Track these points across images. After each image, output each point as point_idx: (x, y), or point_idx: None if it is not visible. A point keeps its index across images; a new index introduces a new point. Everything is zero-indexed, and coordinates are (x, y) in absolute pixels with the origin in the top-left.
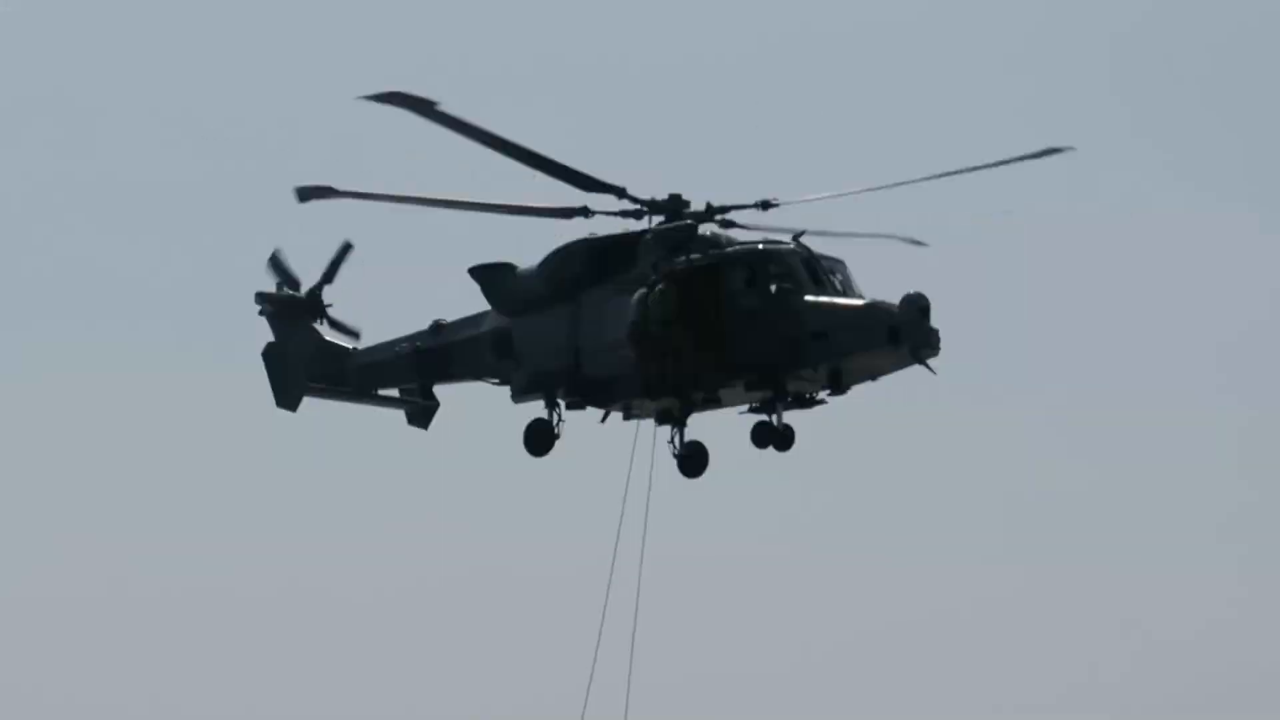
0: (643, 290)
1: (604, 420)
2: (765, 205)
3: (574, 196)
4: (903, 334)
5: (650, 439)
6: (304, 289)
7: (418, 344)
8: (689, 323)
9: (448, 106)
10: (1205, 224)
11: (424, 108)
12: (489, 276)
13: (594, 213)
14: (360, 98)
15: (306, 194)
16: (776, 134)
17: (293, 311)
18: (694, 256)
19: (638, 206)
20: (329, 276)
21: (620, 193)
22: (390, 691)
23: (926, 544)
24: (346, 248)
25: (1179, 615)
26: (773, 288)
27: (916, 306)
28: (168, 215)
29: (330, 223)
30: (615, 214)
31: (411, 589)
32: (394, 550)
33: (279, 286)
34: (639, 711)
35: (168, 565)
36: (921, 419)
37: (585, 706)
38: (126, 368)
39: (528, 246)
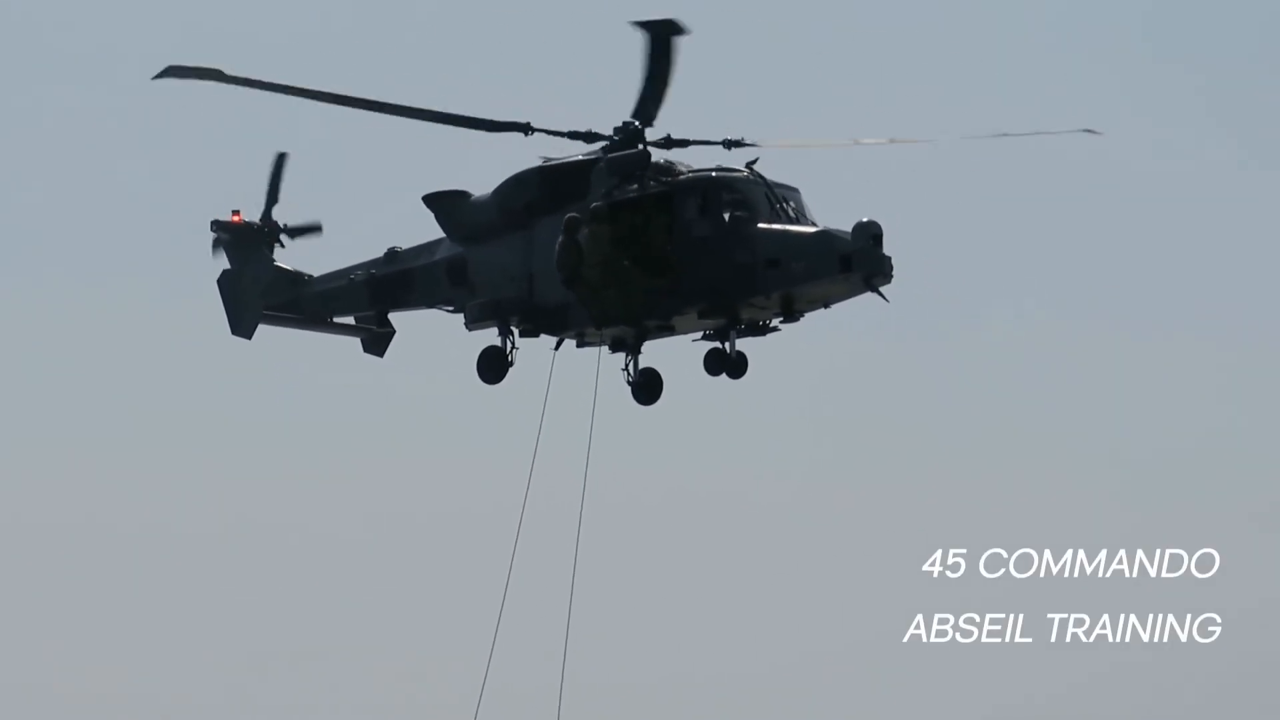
0: (564, 238)
1: (557, 348)
2: (730, 144)
3: (517, 113)
4: (855, 261)
5: (597, 366)
6: (266, 218)
7: (373, 271)
8: (637, 251)
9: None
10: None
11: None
12: (443, 204)
13: (535, 130)
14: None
15: (170, 73)
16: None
17: (248, 238)
18: (649, 184)
19: (589, 129)
20: (273, 195)
21: (526, 128)
22: (343, 620)
23: (879, 469)
24: (281, 159)
25: (1134, 522)
26: (726, 215)
27: (869, 233)
28: (127, 142)
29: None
30: (562, 134)
31: (364, 517)
32: (349, 478)
33: (268, 197)
34: (583, 642)
35: (124, 495)
36: (874, 345)
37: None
38: (80, 297)
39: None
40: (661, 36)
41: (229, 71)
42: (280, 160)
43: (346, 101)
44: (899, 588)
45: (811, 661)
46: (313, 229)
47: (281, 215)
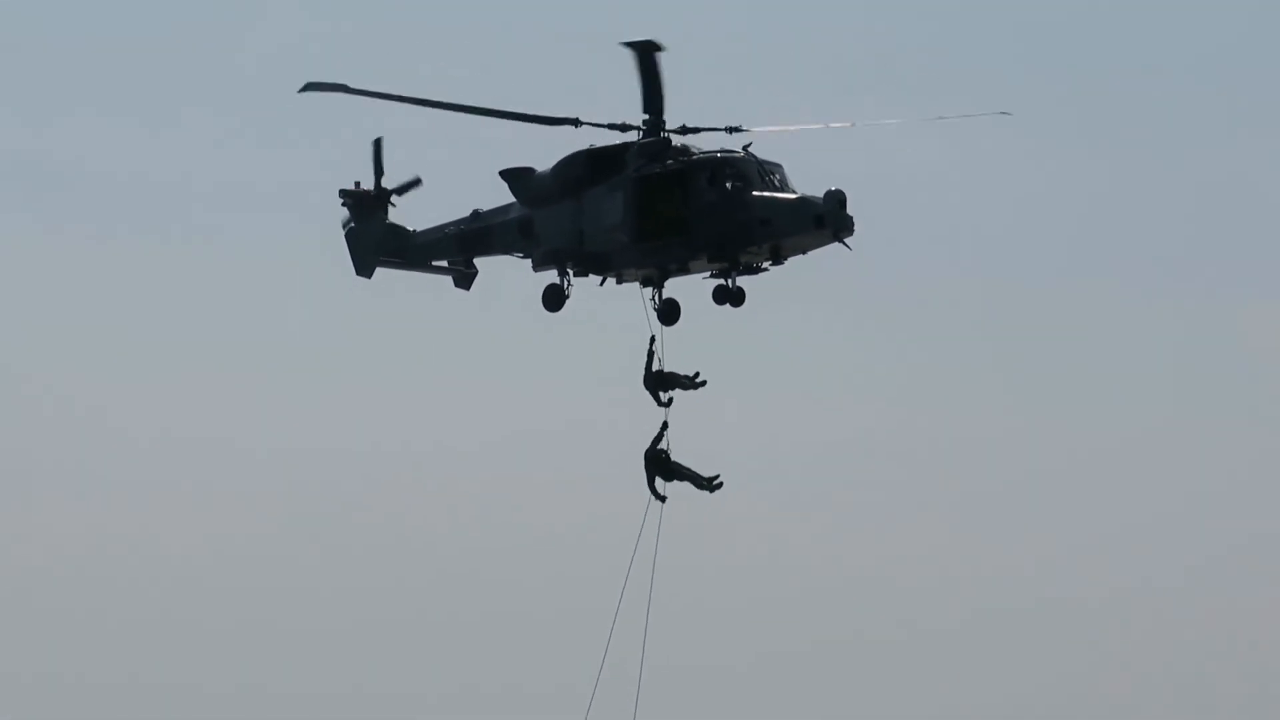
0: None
1: (602, 284)
2: (732, 130)
3: (565, 109)
4: (826, 220)
5: (643, 298)
6: (379, 186)
7: (461, 227)
8: (663, 213)
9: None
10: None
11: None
12: (514, 177)
13: (583, 123)
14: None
15: (316, 87)
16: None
17: (366, 203)
18: (669, 163)
19: (624, 121)
20: (379, 171)
21: (575, 122)
22: (429, 526)
23: (839, 377)
24: (378, 143)
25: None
26: (728, 186)
27: (836, 199)
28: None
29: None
30: (603, 125)
31: (459, 414)
32: (445, 384)
33: (375, 172)
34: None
35: (257, 402)
36: (839, 282)
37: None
38: (248, 253)
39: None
40: (646, 53)
41: (352, 86)
42: (378, 144)
43: (447, 106)
44: None
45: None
46: (414, 184)
47: (389, 183)
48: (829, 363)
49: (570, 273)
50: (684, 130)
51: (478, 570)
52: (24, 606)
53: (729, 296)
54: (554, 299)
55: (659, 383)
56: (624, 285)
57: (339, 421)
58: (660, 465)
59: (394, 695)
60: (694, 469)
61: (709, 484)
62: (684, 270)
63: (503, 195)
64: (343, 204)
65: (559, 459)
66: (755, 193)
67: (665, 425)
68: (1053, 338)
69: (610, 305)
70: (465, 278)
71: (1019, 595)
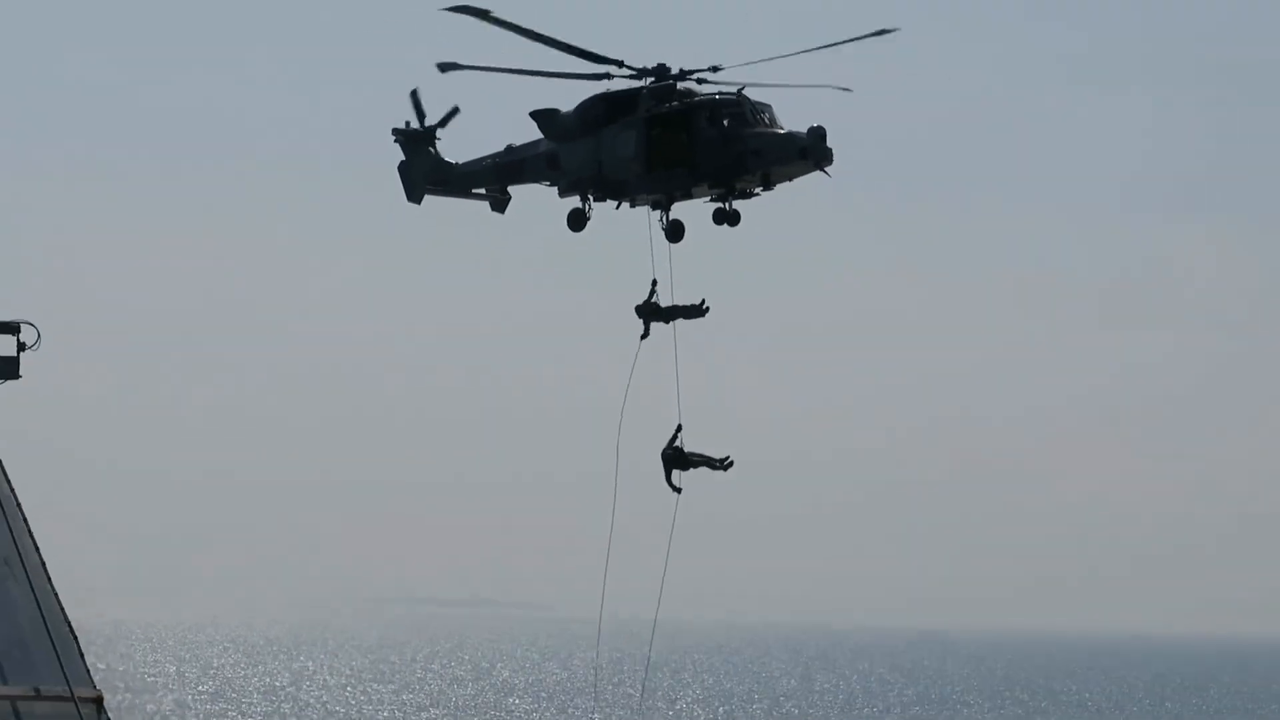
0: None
1: (618, 208)
2: (714, 69)
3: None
4: (809, 152)
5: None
6: (424, 125)
7: (497, 159)
8: (672, 147)
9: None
10: None
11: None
12: (543, 117)
13: (613, 76)
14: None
15: (446, 67)
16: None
17: (416, 140)
18: (675, 104)
19: (637, 71)
20: (420, 114)
21: (620, 63)
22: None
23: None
24: (415, 93)
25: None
26: (725, 123)
27: (818, 134)
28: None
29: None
30: (625, 77)
31: (493, 305)
32: (484, 284)
33: (418, 117)
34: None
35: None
36: (819, 204)
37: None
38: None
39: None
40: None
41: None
42: (414, 94)
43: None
44: None
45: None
46: (453, 113)
47: (432, 120)
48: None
49: (590, 198)
50: (681, 74)
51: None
52: None
53: (726, 218)
54: (577, 221)
55: (676, 461)
56: (636, 208)
57: (407, 308)
58: (677, 460)
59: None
60: (706, 454)
61: (721, 465)
62: (687, 196)
63: (532, 133)
64: (395, 140)
65: (575, 342)
66: (748, 129)
67: (680, 427)
68: None
69: (624, 224)
70: (501, 203)
71: None
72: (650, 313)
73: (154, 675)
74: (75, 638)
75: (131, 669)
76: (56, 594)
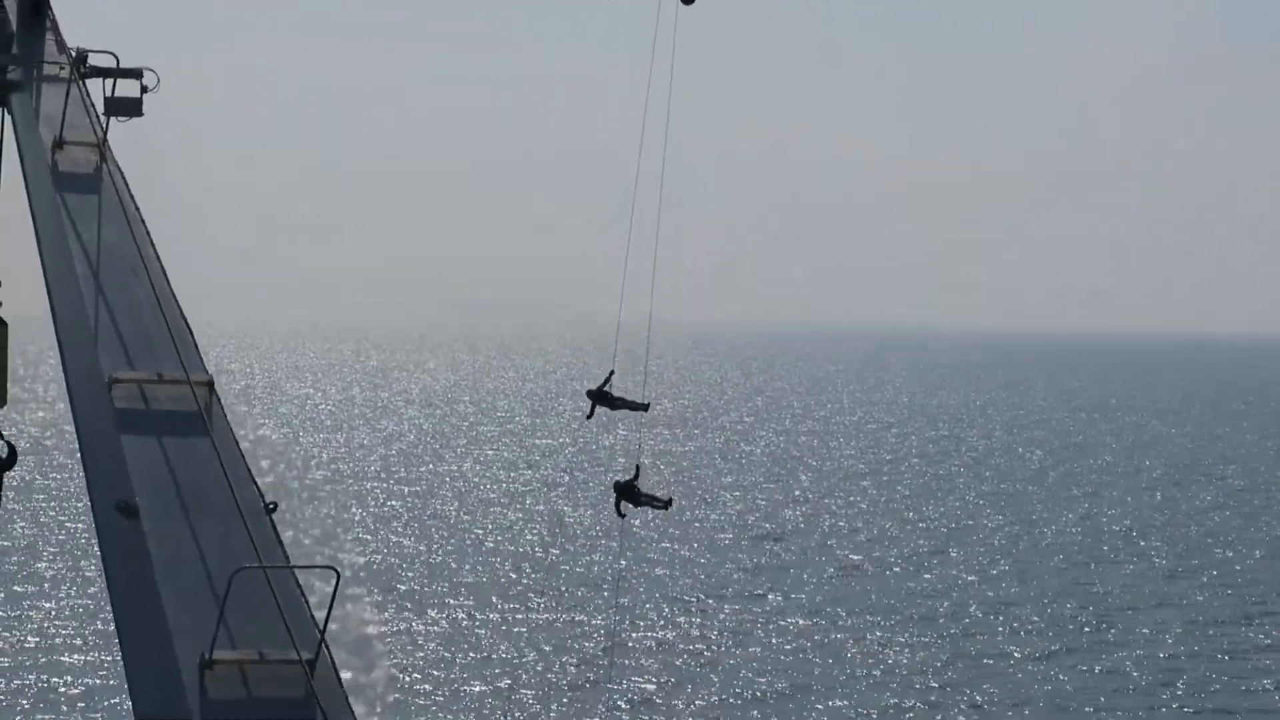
0: None
1: None
2: None
3: None
4: None
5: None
6: None
7: None
8: None
9: None
10: None
11: None
12: None
13: None
14: None
15: None
16: None
17: None
18: None
19: None
20: None
21: None
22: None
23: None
24: None
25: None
26: None
27: None
28: None
29: None
30: None
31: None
32: None
33: None
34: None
35: None
36: None
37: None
38: None
39: None
40: None
41: None
42: None
43: None
44: None
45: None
46: None
47: None
48: None
49: None
50: None
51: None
52: None
53: None
54: None
55: (627, 494)
56: None
57: None
58: (628, 495)
59: None
60: (653, 494)
61: (664, 505)
62: None
63: None
64: None
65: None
66: None
67: (639, 468)
68: None
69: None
70: None
71: None
72: (600, 399)
73: (248, 368)
74: (191, 332)
75: (230, 361)
76: (175, 296)
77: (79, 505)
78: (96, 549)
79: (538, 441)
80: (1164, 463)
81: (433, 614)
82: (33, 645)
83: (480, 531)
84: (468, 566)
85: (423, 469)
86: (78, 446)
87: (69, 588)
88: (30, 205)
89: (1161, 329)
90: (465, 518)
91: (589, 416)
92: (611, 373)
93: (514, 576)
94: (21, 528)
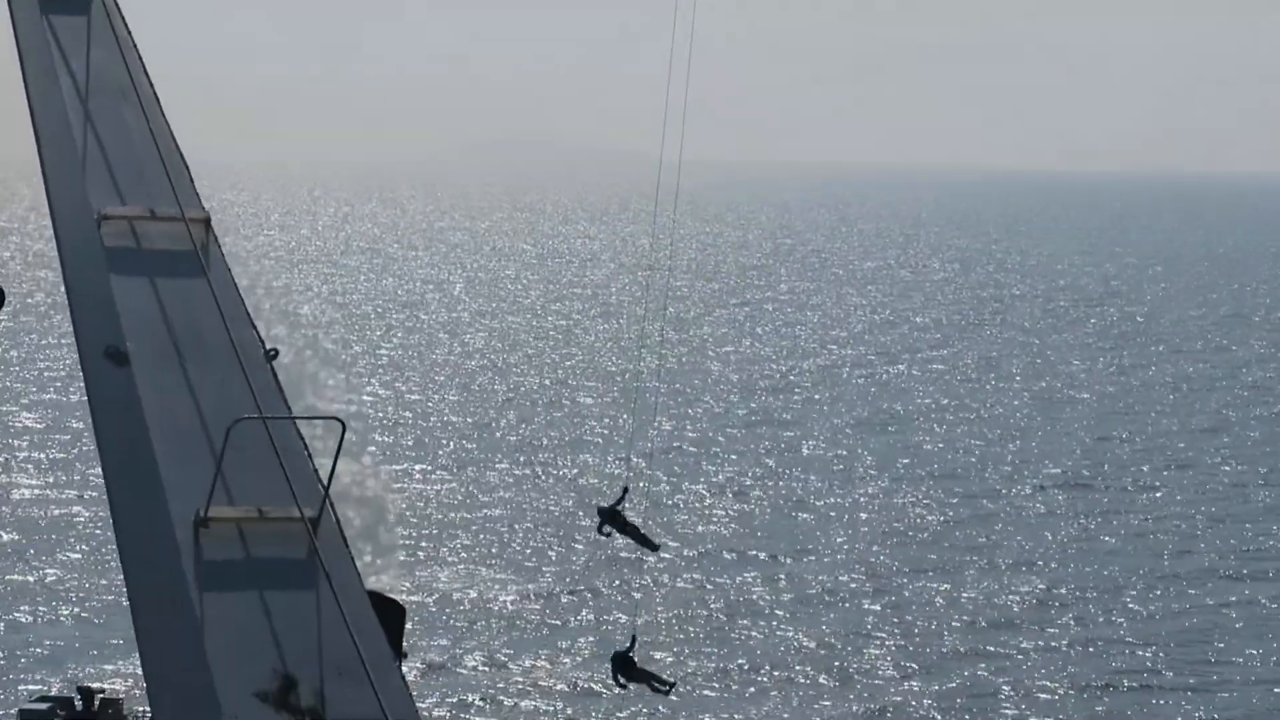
0: None
1: None
2: None
3: None
4: None
5: None
6: None
7: None
8: None
9: None
10: None
11: None
12: None
13: None
14: None
15: None
16: None
17: None
18: None
19: None
20: None
21: None
22: None
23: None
24: None
25: None
26: None
27: None
28: None
29: None
30: None
31: None
32: None
33: None
34: None
35: None
36: None
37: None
38: None
39: None
40: None
41: None
42: None
43: None
44: None
45: None
46: None
47: None
48: None
49: None
50: None
51: None
52: None
53: None
54: None
55: (610, 519)
56: None
57: None
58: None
59: None
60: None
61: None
62: None
63: None
64: None
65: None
66: None
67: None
68: None
69: None
70: None
71: None
72: (610, 518)
73: (252, 206)
74: (186, 166)
75: (233, 198)
76: (169, 125)
77: (65, 352)
78: (84, 399)
79: (555, 291)
80: None
81: (443, 468)
82: (18, 498)
83: (491, 381)
84: (477, 417)
85: (439, 317)
86: (64, 288)
87: (53, 440)
88: (14, 28)
89: None
90: (476, 366)
91: (599, 532)
92: (625, 490)
93: (525, 427)
94: (0, 377)
